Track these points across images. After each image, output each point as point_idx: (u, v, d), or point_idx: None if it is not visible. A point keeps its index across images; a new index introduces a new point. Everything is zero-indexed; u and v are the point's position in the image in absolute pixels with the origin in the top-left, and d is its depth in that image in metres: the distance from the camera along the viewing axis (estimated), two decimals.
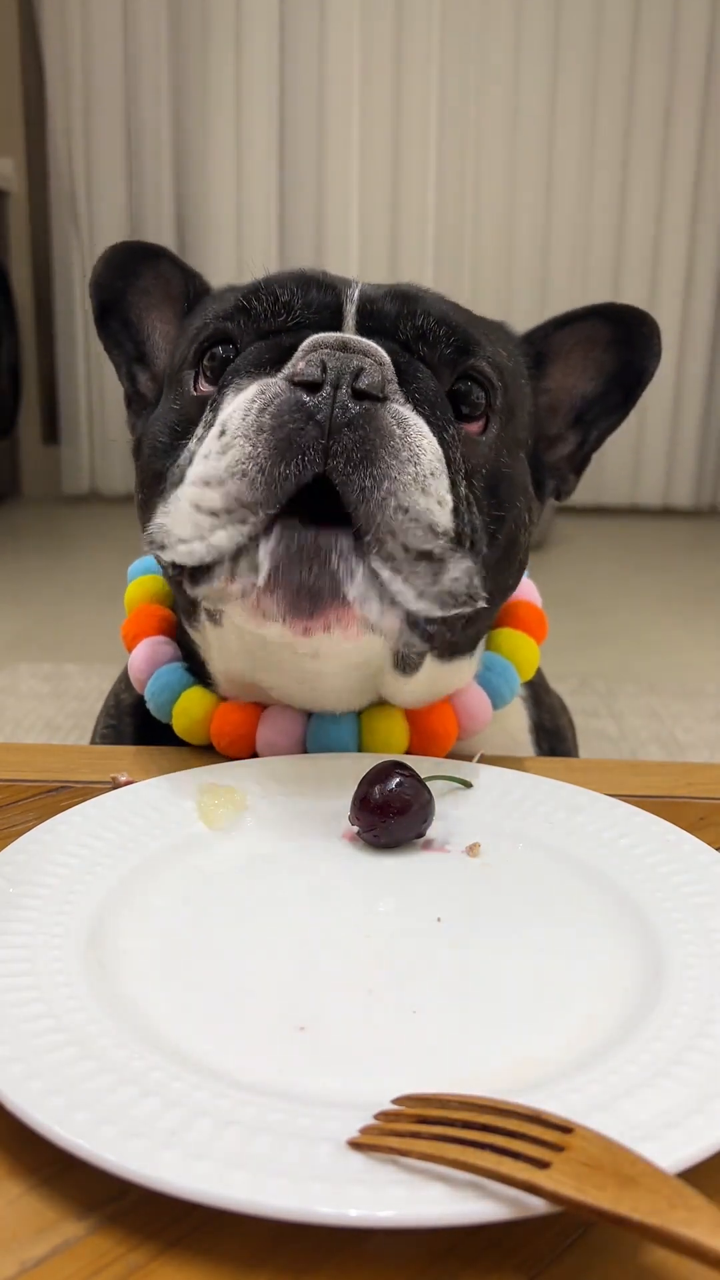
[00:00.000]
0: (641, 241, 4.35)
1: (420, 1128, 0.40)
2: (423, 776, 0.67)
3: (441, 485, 0.65)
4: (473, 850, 0.65)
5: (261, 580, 0.62)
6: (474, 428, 0.71)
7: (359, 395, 0.62)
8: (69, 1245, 0.39)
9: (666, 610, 3.17)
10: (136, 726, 0.88)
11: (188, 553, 0.65)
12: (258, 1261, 0.38)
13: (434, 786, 0.68)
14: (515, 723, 0.89)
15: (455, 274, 4.34)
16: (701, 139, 4.24)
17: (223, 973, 0.53)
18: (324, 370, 0.62)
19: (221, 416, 0.65)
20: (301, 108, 4.23)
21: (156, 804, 0.68)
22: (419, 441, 0.64)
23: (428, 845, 0.66)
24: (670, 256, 4.36)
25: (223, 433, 0.64)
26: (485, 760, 0.79)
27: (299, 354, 0.65)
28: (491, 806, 0.70)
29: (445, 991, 0.52)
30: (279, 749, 0.75)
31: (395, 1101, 0.42)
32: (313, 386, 0.62)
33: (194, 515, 0.64)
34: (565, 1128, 0.39)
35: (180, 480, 0.68)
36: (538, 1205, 0.37)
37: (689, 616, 3.13)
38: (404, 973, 0.53)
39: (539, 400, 0.83)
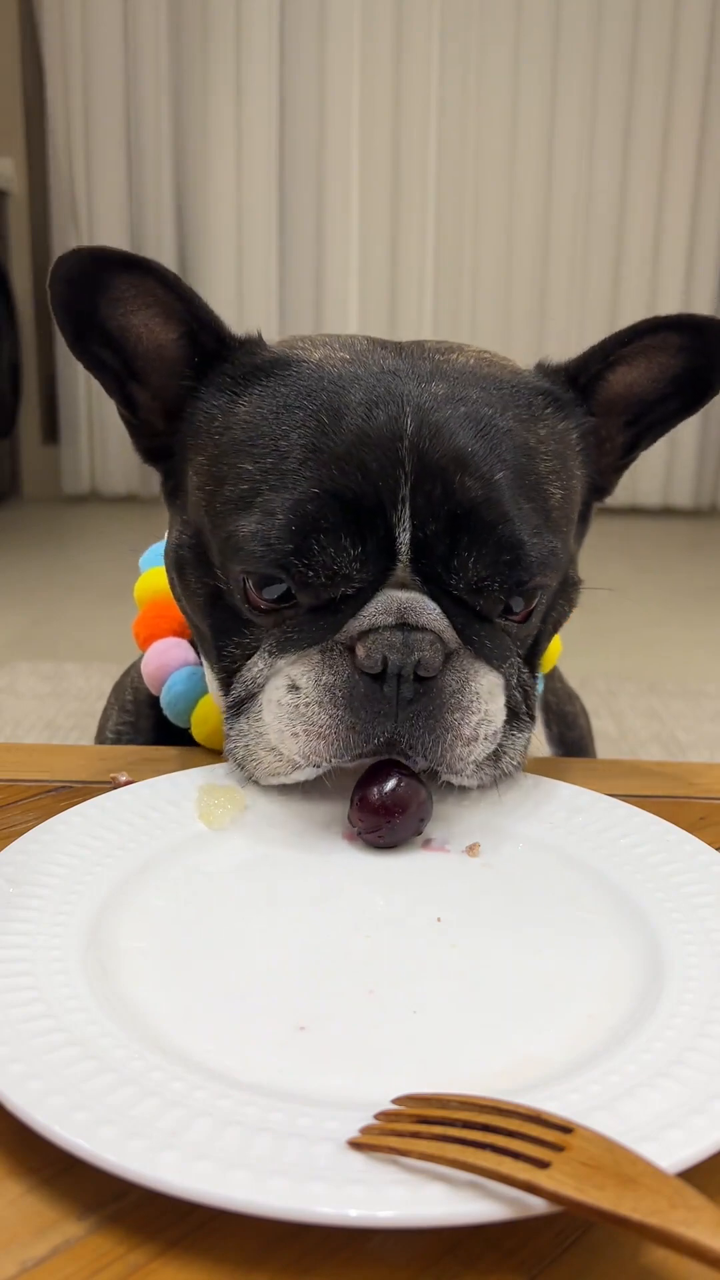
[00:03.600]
0: (641, 241, 4.35)
1: (420, 1128, 0.40)
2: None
3: (498, 704, 0.69)
4: (473, 850, 0.65)
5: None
6: (523, 615, 0.72)
7: (420, 677, 0.66)
8: (69, 1245, 0.39)
9: (667, 610, 3.17)
10: (155, 722, 0.88)
11: (270, 778, 0.70)
12: (258, 1261, 0.38)
13: (431, 786, 0.68)
14: None
15: (455, 273, 4.34)
16: (701, 139, 4.24)
17: (223, 973, 0.53)
18: (384, 664, 0.65)
19: (291, 673, 0.68)
20: (301, 108, 4.23)
21: (156, 804, 0.68)
22: (478, 688, 0.68)
23: (428, 845, 0.66)
24: (670, 256, 4.36)
25: (295, 688, 0.67)
26: None
27: (357, 632, 0.66)
28: (491, 806, 0.70)
29: (445, 991, 0.52)
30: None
31: (395, 1101, 0.42)
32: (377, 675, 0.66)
33: (274, 755, 0.69)
34: (565, 1128, 0.39)
35: (248, 701, 0.71)
36: (538, 1205, 0.37)
37: (689, 617, 3.13)
38: (404, 973, 0.53)
39: (588, 426, 0.79)
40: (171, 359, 0.76)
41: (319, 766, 0.67)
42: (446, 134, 4.24)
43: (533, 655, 0.76)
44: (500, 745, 0.70)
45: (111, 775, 0.75)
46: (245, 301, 4.34)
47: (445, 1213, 0.37)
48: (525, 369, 0.79)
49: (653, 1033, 0.47)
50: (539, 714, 0.92)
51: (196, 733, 0.81)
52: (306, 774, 0.68)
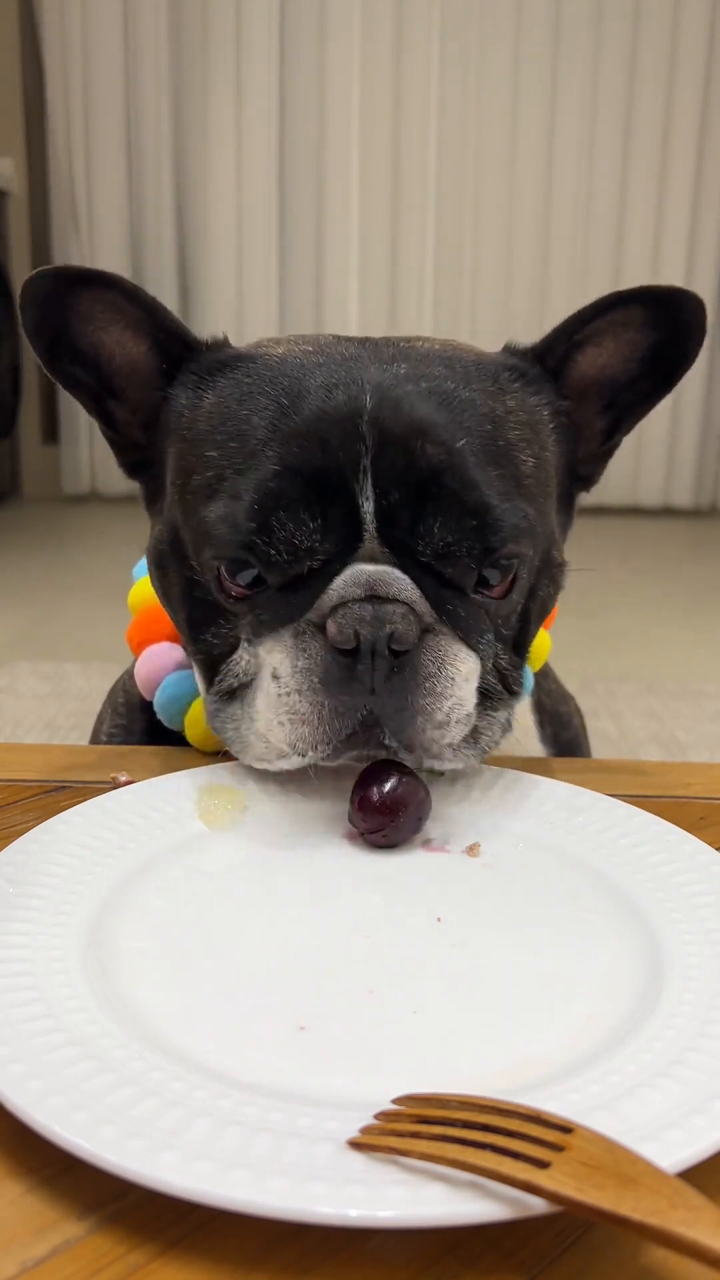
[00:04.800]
0: (641, 240, 4.35)
1: (420, 1128, 0.40)
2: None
3: (472, 685, 0.68)
4: (473, 850, 0.65)
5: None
6: (501, 588, 0.70)
7: (395, 651, 0.65)
8: (69, 1245, 0.39)
9: (666, 610, 3.17)
10: (148, 725, 0.88)
11: (258, 763, 0.70)
12: (258, 1261, 0.38)
13: (431, 786, 0.68)
14: (521, 706, 0.89)
15: (455, 273, 4.34)
16: (701, 138, 4.24)
17: (223, 973, 0.53)
18: (357, 638, 0.64)
19: (271, 661, 0.68)
20: (301, 108, 4.23)
21: (156, 804, 0.68)
22: (454, 669, 0.67)
23: (428, 845, 0.66)
24: (670, 256, 4.36)
25: (276, 677, 0.67)
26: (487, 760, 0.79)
27: (328, 607, 0.66)
28: (491, 806, 0.70)
29: (445, 991, 0.52)
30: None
31: (395, 1101, 0.42)
32: (350, 650, 0.65)
33: (263, 742, 0.69)
34: (565, 1128, 0.39)
35: (237, 691, 0.71)
36: (538, 1205, 0.37)
37: (689, 616, 3.13)
38: (404, 973, 0.53)
39: (563, 408, 0.78)
40: (144, 371, 0.77)
41: (304, 755, 0.67)
42: (446, 134, 4.24)
43: (521, 639, 0.74)
44: (476, 726, 0.69)
45: (111, 775, 0.75)
46: (245, 302, 4.34)
47: (445, 1213, 0.37)
48: (493, 352, 0.79)
49: (653, 1033, 0.47)
50: (531, 715, 0.92)
51: (190, 735, 0.81)
52: (292, 763, 0.68)
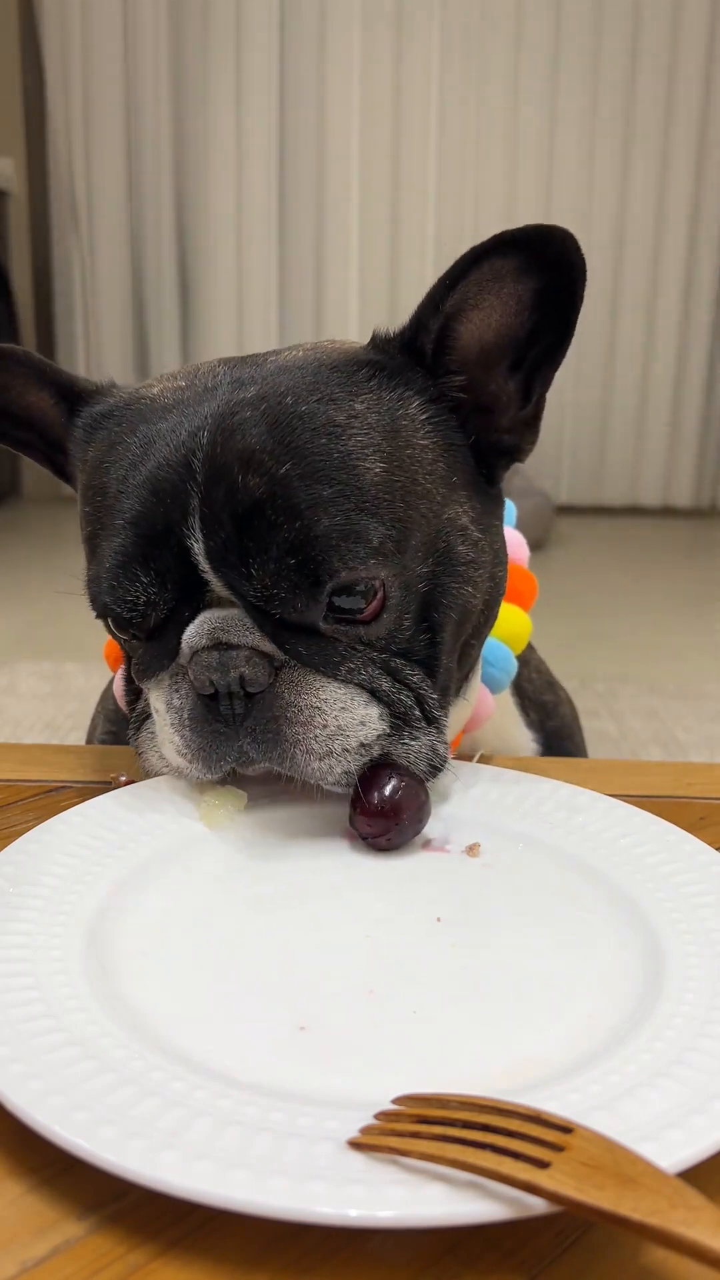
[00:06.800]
0: (641, 241, 4.35)
1: (420, 1128, 0.40)
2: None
3: (353, 714, 0.67)
4: (473, 850, 0.65)
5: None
6: (371, 609, 0.67)
7: (249, 694, 0.66)
8: (69, 1245, 0.39)
9: (667, 610, 3.17)
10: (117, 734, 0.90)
11: (159, 771, 0.72)
12: (258, 1261, 0.38)
13: (430, 786, 0.68)
14: (504, 692, 0.89)
15: None
16: (702, 138, 4.24)
17: (223, 973, 0.53)
18: (213, 685, 0.66)
19: (154, 699, 0.70)
20: (301, 108, 4.23)
21: (156, 804, 0.68)
22: (314, 704, 0.66)
23: (428, 845, 0.66)
24: (670, 256, 4.36)
25: (159, 711, 0.70)
26: (486, 760, 0.79)
27: (184, 658, 0.67)
28: (491, 806, 0.70)
29: (445, 991, 0.52)
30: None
31: (395, 1101, 0.42)
32: (212, 695, 0.66)
33: (160, 759, 0.71)
34: (565, 1128, 0.39)
35: (146, 708, 0.73)
36: (538, 1205, 0.37)
37: (689, 616, 3.13)
38: (404, 973, 0.53)
39: (453, 384, 0.73)
40: (61, 424, 0.79)
41: (204, 778, 0.69)
42: (446, 134, 4.24)
43: (431, 655, 0.70)
44: (390, 753, 0.67)
45: (112, 775, 0.76)
46: (245, 302, 4.34)
47: (445, 1213, 0.37)
48: (362, 346, 0.75)
49: (653, 1033, 0.47)
50: (512, 699, 0.91)
51: None
52: (196, 776, 0.69)
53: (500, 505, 0.78)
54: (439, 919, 0.58)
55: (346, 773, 0.66)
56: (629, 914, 0.58)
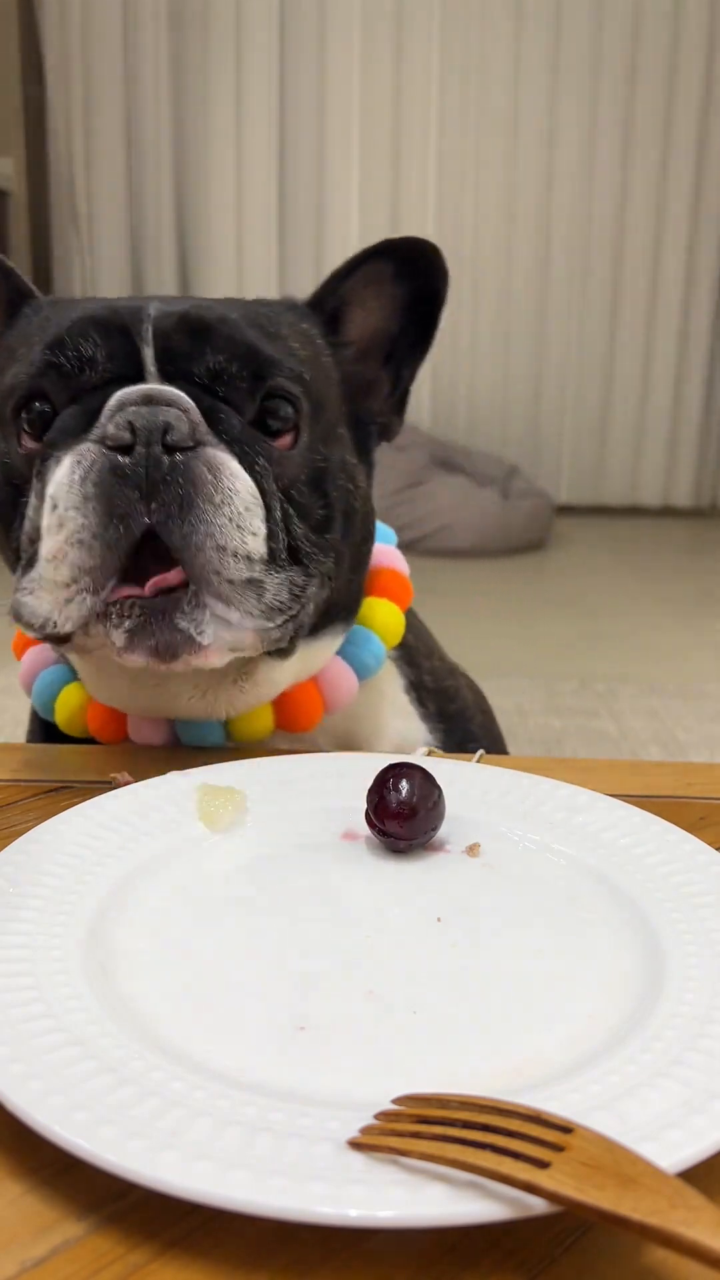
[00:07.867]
0: (641, 241, 4.36)
1: (420, 1128, 0.40)
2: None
3: (255, 518, 0.69)
4: (473, 850, 0.65)
5: (120, 644, 0.68)
6: (285, 442, 0.73)
7: (170, 449, 0.66)
8: (69, 1245, 0.39)
9: (667, 610, 3.17)
10: (41, 723, 0.91)
11: (49, 628, 0.69)
12: (258, 1261, 0.38)
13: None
14: (389, 685, 0.91)
15: (455, 274, 4.32)
16: (702, 138, 4.24)
17: (223, 973, 0.53)
18: (133, 431, 0.66)
19: (50, 490, 0.68)
20: (301, 108, 4.23)
21: (156, 804, 0.68)
22: (231, 484, 0.68)
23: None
24: (670, 257, 4.36)
25: (55, 506, 0.67)
26: (485, 760, 0.79)
27: (106, 415, 0.67)
28: (491, 806, 0.70)
29: (445, 991, 0.52)
30: (151, 742, 0.82)
31: (395, 1101, 0.42)
32: (126, 448, 0.66)
33: (51, 591, 0.68)
34: (565, 1128, 0.39)
35: (34, 556, 0.69)
36: (538, 1205, 0.37)
37: (689, 617, 3.13)
38: (404, 973, 0.53)
39: (345, 357, 0.83)
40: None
41: (92, 592, 0.66)
42: (446, 134, 4.24)
43: (322, 515, 0.75)
44: (261, 581, 0.69)
45: (112, 775, 0.76)
46: None
47: (445, 1213, 0.37)
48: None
49: (653, 1033, 0.47)
50: (405, 696, 0.92)
51: (59, 717, 0.84)
52: (80, 609, 0.67)
53: (370, 476, 0.86)
54: (439, 919, 0.58)
55: (233, 583, 0.67)
56: (629, 914, 0.58)
